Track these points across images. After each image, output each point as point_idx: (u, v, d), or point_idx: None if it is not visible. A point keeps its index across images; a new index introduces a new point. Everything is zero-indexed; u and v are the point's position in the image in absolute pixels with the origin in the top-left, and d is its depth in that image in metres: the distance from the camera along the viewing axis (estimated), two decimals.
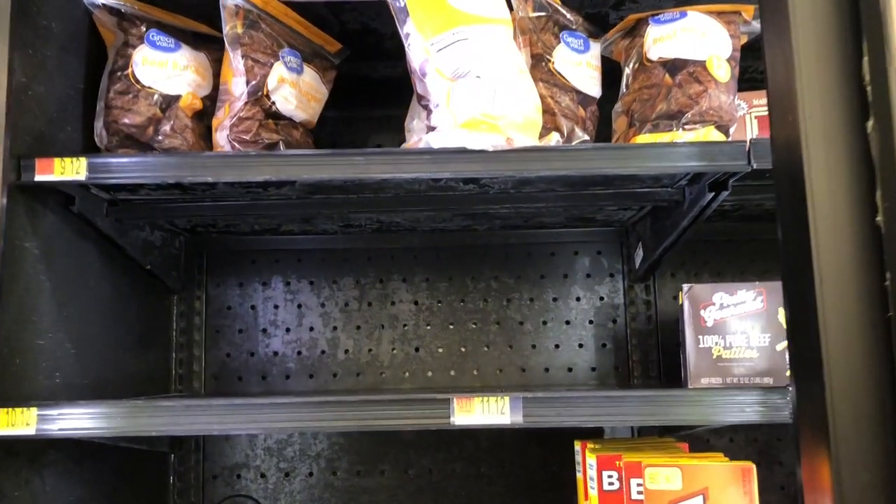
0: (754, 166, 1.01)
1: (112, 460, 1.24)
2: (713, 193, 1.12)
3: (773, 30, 0.84)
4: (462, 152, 1.02)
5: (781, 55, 0.82)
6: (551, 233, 1.57)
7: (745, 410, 0.97)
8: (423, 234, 1.56)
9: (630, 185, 1.20)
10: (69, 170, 1.00)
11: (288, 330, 1.56)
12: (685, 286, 1.19)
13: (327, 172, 1.01)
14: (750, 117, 1.23)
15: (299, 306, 1.56)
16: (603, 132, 1.26)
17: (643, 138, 1.11)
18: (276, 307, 1.56)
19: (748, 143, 1.02)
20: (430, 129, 1.08)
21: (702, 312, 1.18)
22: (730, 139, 1.12)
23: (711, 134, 1.09)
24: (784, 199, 0.89)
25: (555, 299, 1.57)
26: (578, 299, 1.57)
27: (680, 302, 1.20)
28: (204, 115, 1.24)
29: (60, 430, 0.94)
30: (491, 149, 1.01)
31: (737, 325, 1.17)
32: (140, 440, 1.30)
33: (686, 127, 1.08)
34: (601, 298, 1.57)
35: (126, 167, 1.01)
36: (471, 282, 1.57)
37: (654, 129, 1.10)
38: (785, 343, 1.15)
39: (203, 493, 1.52)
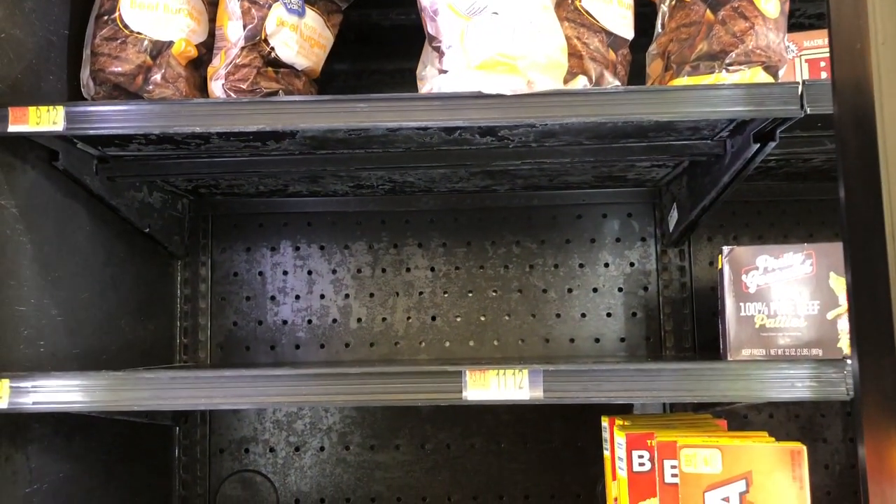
0: (808, 111, 0.89)
1: (107, 434, 1.17)
2: (759, 145, 1.00)
3: None
4: (477, 97, 0.91)
5: None
6: (578, 193, 1.46)
7: (795, 386, 0.86)
8: (440, 196, 1.46)
9: (665, 136, 1.08)
10: (45, 119, 0.91)
11: (298, 297, 1.47)
12: (725, 248, 1.08)
13: (327, 121, 0.91)
14: (800, 60, 1.10)
15: (309, 272, 1.47)
16: (635, 80, 1.14)
17: (681, 81, 0.99)
18: (284, 273, 1.48)
19: (801, 84, 0.90)
20: (443, 72, 0.98)
21: (743, 277, 1.07)
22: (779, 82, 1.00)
23: (759, 75, 0.96)
24: (848, 148, 0.78)
25: (581, 265, 1.46)
26: (607, 265, 1.46)
27: (719, 266, 1.09)
28: (200, 64, 1.14)
29: (35, 403, 0.86)
30: (509, 93, 0.91)
31: (782, 292, 1.05)
32: (138, 413, 1.22)
33: (730, 68, 0.96)
34: (631, 264, 1.46)
35: (107, 116, 0.92)
36: (491, 247, 1.47)
37: (693, 71, 0.99)
38: (837, 311, 1.04)
39: (210, 468, 1.45)
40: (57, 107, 0.91)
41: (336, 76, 1.47)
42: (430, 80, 1.10)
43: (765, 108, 0.91)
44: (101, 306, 1.18)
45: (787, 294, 1.05)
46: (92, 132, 0.92)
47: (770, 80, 0.98)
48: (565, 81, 1.00)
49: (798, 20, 1.33)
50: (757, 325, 1.05)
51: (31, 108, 0.91)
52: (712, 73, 0.97)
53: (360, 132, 0.99)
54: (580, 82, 0.98)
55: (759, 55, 0.97)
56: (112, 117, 0.92)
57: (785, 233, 1.46)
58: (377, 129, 0.92)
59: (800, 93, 0.90)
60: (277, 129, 0.91)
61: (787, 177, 1.37)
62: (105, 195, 1.15)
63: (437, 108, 0.92)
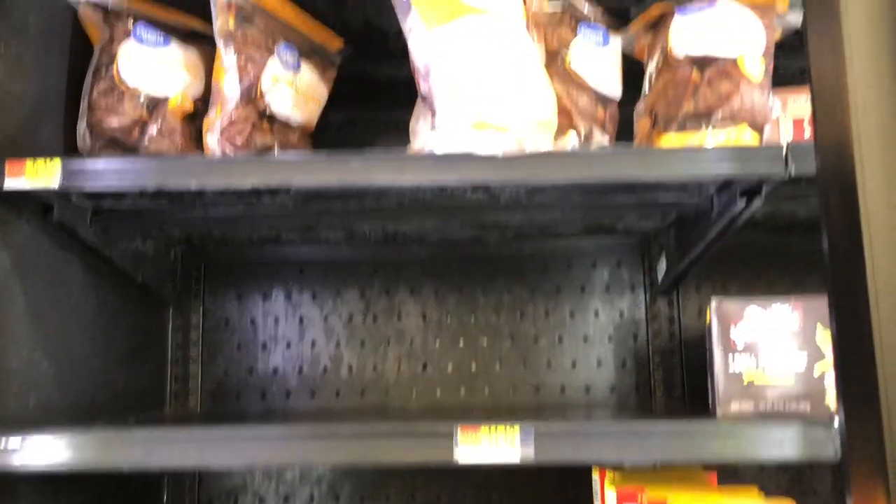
0: (793, 172, 0.91)
1: (95, 486, 1.16)
2: (745, 201, 1.02)
3: (818, 11, 0.74)
4: (469, 157, 0.93)
5: (828, 40, 0.73)
6: (568, 243, 1.47)
7: (784, 446, 0.86)
8: (432, 245, 1.47)
9: (654, 192, 1.10)
10: (42, 172, 0.92)
11: (289, 345, 1.47)
12: (713, 301, 1.09)
13: (321, 178, 0.93)
14: (785, 117, 1.13)
15: (301, 320, 1.48)
16: (623, 135, 1.16)
17: (668, 139, 1.01)
18: (276, 321, 1.48)
19: (785, 146, 0.92)
20: (436, 131, 0.99)
21: (731, 331, 1.08)
22: (764, 141, 1.02)
23: (744, 135, 0.99)
24: (831, 207, 0.79)
25: (572, 314, 1.47)
26: (597, 314, 1.47)
27: (707, 319, 1.10)
28: (195, 117, 1.16)
29: (22, 465, 0.86)
30: (501, 153, 0.92)
31: (770, 345, 1.06)
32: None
33: (716, 128, 0.99)
34: (621, 313, 1.47)
35: (103, 172, 0.93)
36: (482, 295, 1.48)
37: (680, 129, 1.01)
38: (823, 365, 1.05)
39: None
40: (53, 160, 0.92)
41: (331, 125, 1.48)
42: (423, 134, 1.12)
43: (750, 168, 0.92)
44: (93, 357, 1.18)
45: (775, 348, 1.06)
46: (88, 188, 0.93)
47: (755, 138, 1.00)
48: (555, 138, 1.02)
49: (782, 75, 1.36)
50: (745, 381, 1.05)
51: (28, 161, 0.92)
52: (699, 130, 0.99)
53: (354, 188, 1.00)
54: (570, 139, 1.00)
55: (745, 115, 0.99)
56: (108, 173, 0.93)
57: (771, 282, 1.47)
58: (371, 186, 0.93)
59: (784, 154, 0.92)
60: (271, 185, 0.92)
61: (772, 229, 1.39)
62: (99, 246, 1.15)
63: (430, 167, 0.93)
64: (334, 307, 1.48)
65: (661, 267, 1.38)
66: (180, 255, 1.46)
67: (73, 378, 1.12)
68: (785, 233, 1.44)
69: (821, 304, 1.06)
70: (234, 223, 1.19)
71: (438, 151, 0.93)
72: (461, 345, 1.46)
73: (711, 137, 0.98)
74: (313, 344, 1.47)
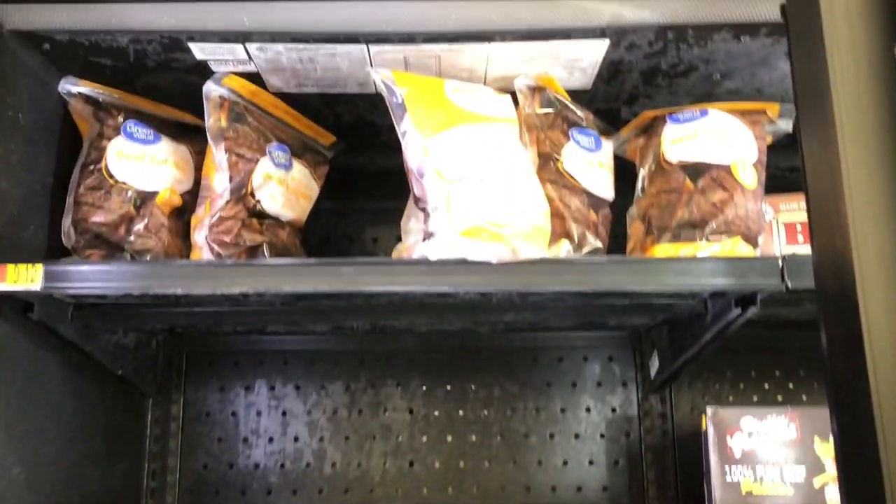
0: (789, 286, 0.90)
1: None
2: (740, 310, 1.00)
3: (813, 131, 0.74)
4: (462, 264, 0.91)
5: (824, 162, 0.72)
6: (559, 336, 1.45)
7: None
8: (420, 337, 1.45)
9: (647, 296, 1.09)
10: (24, 277, 0.90)
11: (271, 439, 1.43)
12: (709, 409, 1.07)
13: (311, 284, 0.91)
14: (777, 223, 1.13)
15: (284, 413, 1.44)
16: (616, 234, 1.16)
17: (663, 248, 1.00)
18: (258, 414, 1.44)
19: (781, 259, 0.91)
20: (429, 234, 0.98)
21: (728, 440, 1.06)
22: (758, 249, 1.02)
23: (739, 246, 0.98)
24: (832, 327, 0.78)
25: (563, 410, 1.44)
26: (588, 410, 1.44)
27: (703, 427, 1.08)
28: (184, 212, 1.14)
29: None
30: (495, 261, 0.91)
31: (768, 456, 1.04)
32: None
33: (711, 238, 0.98)
34: (613, 410, 1.44)
35: (87, 275, 0.91)
36: (471, 389, 1.45)
37: (674, 238, 1.00)
38: (824, 478, 1.02)
39: None
40: (36, 265, 0.90)
41: (320, 214, 1.47)
42: (415, 234, 1.11)
43: (746, 281, 0.91)
44: (67, 457, 1.13)
45: (772, 458, 1.03)
46: (70, 291, 0.91)
47: (750, 249, 1.00)
48: (549, 242, 1.01)
49: (771, 173, 1.37)
50: (743, 492, 1.03)
51: (10, 266, 0.90)
52: (693, 241, 0.98)
53: (344, 294, 0.98)
54: (563, 247, 0.99)
55: (739, 225, 0.99)
56: (92, 277, 0.91)
57: (766, 378, 1.45)
58: (361, 292, 0.91)
59: (780, 266, 0.92)
60: (260, 291, 0.90)
61: (766, 326, 1.38)
62: (79, 342, 1.12)
63: (423, 273, 0.92)
64: (318, 400, 1.44)
65: (654, 364, 1.36)
66: (162, 344, 1.43)
67: (45, 481, 1.07)
68: (779, 330, 1.43)
69: (817, 414, 1.04)
70: (219, 317, 1.16)
71: (431, 257, 0.91)
72: (449, 441, 1.42)
73: (706, 249, 0.97)
74: (296, 438, 1.42)
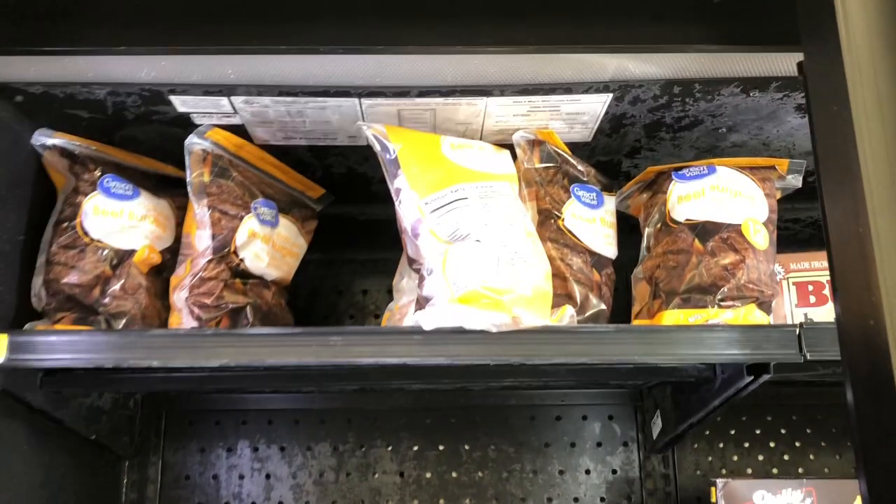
0: (808, 357, 0.85)
1: None
2: (752, 378, 0.95)
3: (836, 193, 0.69)
4: (460, 332, 0.85)
5: (850, 226, 0.67)
6: (557, 394, 1.39)
7: None
8: (411, 394, 1.38)
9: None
10: None
11: None
12: (719, 482, 1.01)
13: (297, 356, 0.85)
14: (788, 283, 1.08)
15: (268, 476, 1.36)
16: (616, 286, 1.11)
17: (672, 315, 0.95)
18: (241, 477, 1.36)
19: (799, 327, 0.86)
20: (424, 299, 0.92)
21: None
22: (771, 315, 0.96)
23: (753, 313, 0.93)
24: (863, 403, 0.73)
25: (561, 472, 1.37)
26: (588, 472, 1.37)
27: (713, 499, 1.02)
28: (164, 269, 1.08)
29: None
30: (495, 330, 0.85)
31: None
32: None
33: (723, 304, 0.93)
34: (614, 471, 1.37)
35: (55, 346, 0.84)
36: (465, 450, 1.38)
37: (684, 304, 0.95)
38: None
39: None
40: (1, 336, 0.83)
41: (308, 265, 1.40)
42: (408, 294, 1.05)
43: (762, 351, 0.86)
44: None
45: None
46: (36, 364, 0.84)
47: (764, 316, 0.94)
48: (551, 305, 0.95)
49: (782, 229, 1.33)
50: None
51: None
52: (704, 307, 0.93)
53: (332, 365, 0.92)
54: (567, 313, 0.93)
55: (752, 290, 0.94)
56: (60, 347, 0.84)
57: (771, 438, 1.39)
58: (350, 364, 0.85)
59: (798, 336, 0.86)
60: (242, 364, 0.84)
61: (772, 383, 1.33)
62: (49, 409, 1.05)
63: (417, 344, 0.86)
64: (304, 462, 1.37)
65: (657, 425, 1.30)
66: (140, 404, 1.35)
67: None
68: (787, 386, 1.38)
69: (835, 487, 0.99)
70: (199, 382, 1.10)
71: (426, 326, 0.86)
72: None
73: (718, 316, 0.92)
74: (280, 503, 1.35)
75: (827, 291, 1.07)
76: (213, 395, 1.37)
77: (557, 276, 0.99)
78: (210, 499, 1.35)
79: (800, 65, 0.79)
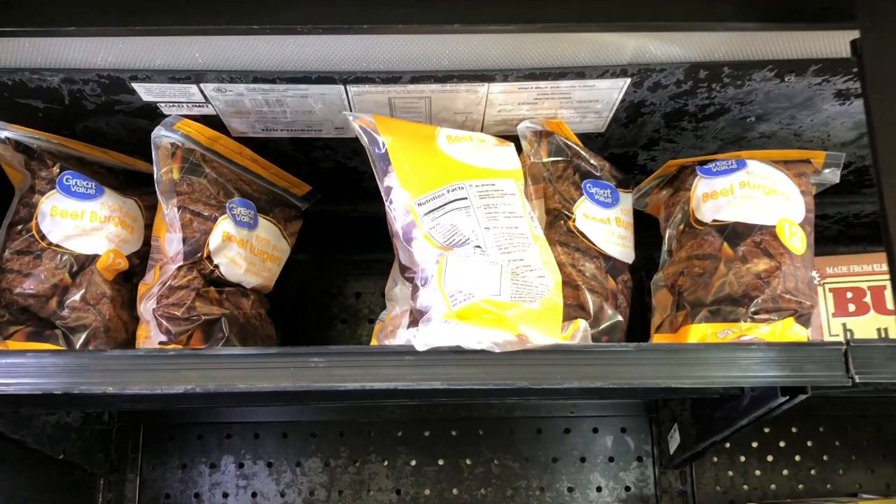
0: (856, 380, 0.74)
1: None
2: (787, 398, 0.84)
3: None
4: (457, 353, 0.75)
5: None
6: (566, 404, 1.29)
7: None
8: (408, 406, 1.28)
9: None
10: None
11: None
12: None
13: (272, 381, 0.74)
14: (824, 290, 0.97)
15: (254, 495, 1.26)
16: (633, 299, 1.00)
17: (699, 330, 0.84)
18: (225, 496, 1.26)
19: (846, 345, 0.75)
20: (418, 312, 0.82)
21: None
22: (810, 329, 0.85)
23: (792, 328, 0.82)
24: None
25: (570, 489, 1.27)
26: (599, 489, 1.27)
27: None
28: (132, 276, 0.98)
29: None
30: (497, 350, 0.74)
31: None
32: None
33: (757, 317, 0.82)
34: (627, 488, 1.27)
35: None
36: (466, 465, 1.28)
37: (712, 316, 0.84)
38: None
39: None
40: None
41: (296, 266, 1.30)
42: (402, 303, 0.94)
43: (802, 373, 0.76)
44: None
45: None
46: None
47: (803, 331, 0.83)
48: (562, 321, 0.84)
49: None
50: None
51: None
52: (736, 321, 0.82)
53: (314, 391, 0.81)
54: (580, 329, 0.83)
55: (789, 301, 0.83)
56: (2, 371, 0.74)
57: (796, 451, 1.29)
58: (334, 389, 0.74)
59: (844, 354, 0.76)
60: (210, 389, 0.73)
61: None
62: (5, 430, 0.95)
63: (409, 366, 0.75)
64: (293, 480, 1.27)
65: (675, 439, 1.20)
66: (115, 417, 1.25)
67: None
68: (812, 396, 1.27)
69: None
70: (172, 400, 1.00)
71: (420, 346, 0.75)
72: None
73: (751, 331, 0.81)
74: None
75: (868, 299, 0.96)
76: (196, 407, 1.27)
77: (568, 284, 0.89)
78: None
79: (854, 43, 0.68)
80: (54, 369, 0.73)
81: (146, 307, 0.90)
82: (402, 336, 0.80)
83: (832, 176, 0.94)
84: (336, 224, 1.25)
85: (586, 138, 0.99)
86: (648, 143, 1.03)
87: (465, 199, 0.81)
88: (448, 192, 0.81)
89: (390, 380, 0.75)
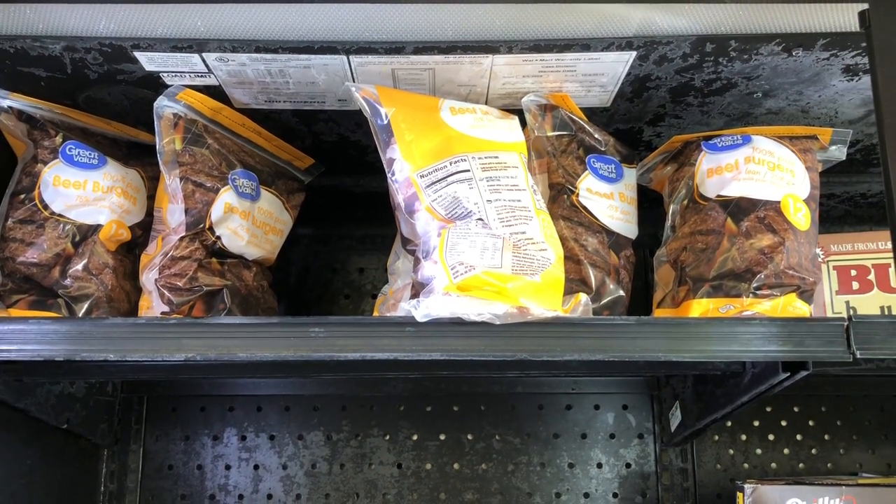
0: (858, 355, 0.74)
1: None
2: (788, 375, 0.84)
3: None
4: (458, 325, 0.75)
5: None
6: (567, 381, 1.29)
7: None
8: (411, 381, 1.28)
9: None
10: None
11: (241, 497, 1.26)
12: (747, 488, 0.91)
13: (272, 350, 0.74)
14: (828, 267, 0.97)
15: (256, 467, 1.27)
16: (636, 276, 1.00)
17: (701, 304, 0.84)
18: (227, 468, 1.27)
19: (847, 321, 0.75)
20: (419, 284, 0.82)
21: None
22: (812, 306, 0.85)
23: (794, 304, 0.82)
24: None
25: (571, 465, 1.27)
26: (600, 465, 1.27)
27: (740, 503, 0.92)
28: (135, 247, 0.98)
29: None
30: (498, 322, 0.74)
31: None
32: None
33: (759, 293, 0.82)
34: (628, 465, 1.28)
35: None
36: (467, 440, 1.28)
37: (714, 291, 0.84)
38: None
39: None
40: None
41: (300, 241, 1.31)
42: (404, 276, 0.95)
43: (804, 348, 0.75)
44: None
45: None
46: None
47: (805, 307, 0.83)
48: (563, 292, 0.84)
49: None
50: None
51: None
52: (738, 296, 0.82)
53: (313, 361, 0.82)
54: (581, 303, 0.82)
55: (792, 276, 0.82)
56: (4, 337, 0.74)
57: (798, 431, 1.29)
58: (334, 359, 0.75)
59: (846, 330, 0.75)
60: (210, 357, 0.74)
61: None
62: (9, 399, 0.96)
63: (410, 336, 0.75)
64: (295, 452, 1.27)
65: (675, 417, 1.20)
66: (119, 386, 1.26)
67: None
68: (817, 375, 1.27)
69: (879, 495, 0.88)
70: (173, 371, 1.00)
71: (420, 317, 0.75)
72: (442, 499, 1.26)
73: (754, 307, 0.80)
74: (269, 496, 1.26)
75: (872, 277, 0.96)
76: (198, 379, 1.27)
77: (570, 258, 0.88)
78: (194, 490, 1.26)
79: (862, 14, 0.67)
80: (56, 336, 0.74)
81: (148, 277, 0.91)
82: (404, 309, 0.80)
83: (839, 153, 0.94)
84: (340, 199, 1.25)
85: (591, 113, 0.99)
86: (654, 119, 1.02)
87: (468, 171, 0.81)
88: (451, 164, 0.81)
89: (390, 350, 0.75)
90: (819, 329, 0.75)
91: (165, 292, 0.89)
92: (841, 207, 1.26)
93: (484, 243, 0.77)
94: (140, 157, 1.01)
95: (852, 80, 0.91)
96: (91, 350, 0.73)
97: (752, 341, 0.75)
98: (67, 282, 0.90)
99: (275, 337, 0.75)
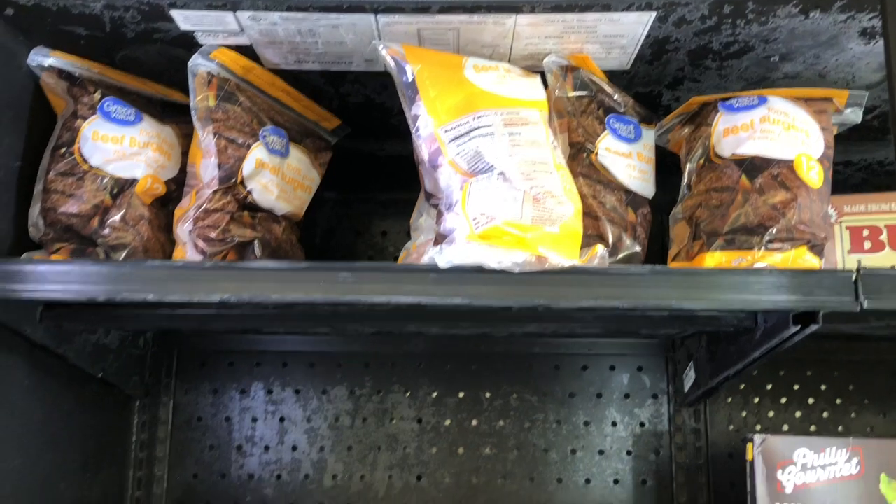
0: (865, 305, 0.77)
1: None
2: (799, 328, 0.87)
3: None
4: (479, 272, 0.78)
5: None
6: (583, 343, 1.32)
7: None
8: (431, 339, 1.32)
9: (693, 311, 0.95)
10: None
11: (267, 448, 1.31)
12: (757, 438, 0.94)
13: (303, 292, 0.78)
14: (841, 227, 0.99)
15: (282, 420, 1.32)
16: (652, 233, 1.02)
17: (714, 257, 0.86)
18: (254, 420, 1.32)
19: (856, 272, 0.77)
20: (442, 236, 0.85)
21: (778, 474, 0.93)
22: (823, 259, 0.88)
23: (804, 257, 0.84)
24: None
25: (586, 423, 1.31)
26: (615, 424, 1.31)
27: (749, 457, 0.95)
28: (168, 201, 1.02)
29: None
30: (517, 269, 0.78)
31: (824, 494, 0.91)
32: None
33: (771, 246, 0.84)
34: (642, 424, 1.31)
35: (44, 276, 0.79)
36: (486, 398, 1.32)
37: (728, 245, 0.86)
38: None
39: None
40: None
41: (324, 204, 1.35)
42: (427, 232, 0.98)
43: (813, 298, 0.78)
44: (35, 471, 1.02)
45: (829, 497, 0.90)
46: (25, 295, 0.78)
47: (815, 260, 0.86)
48: (581, 245, 0.87)
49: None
50: None
51: None
52: (750, 249, 0.85)
53: (341, 303, 0.85)
54: (598, 254, 0.86)
55: (803, 231, 0.85)
56: (49, 277, 0.79)
57: (810, 394, 1.32)
58: (360, 302, 0.78)
59: (854, 281, 0.78)
60: (244, 299, 0.78)
61: (815, 336, 1.24)
62: (50, 344, 1.00)
63: (432, 282, 0.79)
64: (319, 406, 1.32)
65: (689, 377, 1.23)
66: (150, 341, 1.31)
67: (10, 497, 0.96)
68: (827, 340, 1.30)
69: (886, 448, 0.91)
70: (206, 321, 1.04)
71: (442, 264, 0.78)
72: (461, 454, 1.30)
73: (765, 259, 0.83)
74: (294, 447, 1.31)
75: (885, 237, 0.98)
76: (227, 335, 1.32)
77: (588, 214, 0.91)
78: (222, 441, 1.31)
79: None
80: (98, 276, 0.78)
81: (182, 229, 0.95)
82: (428, 259, 0.84)
83: (854, 115, 0.95)
84: (364, 163, 1.29)
85: (612, 76, 1.01)
86: (673, 83, 1.04)
87: (490, 126, 0.84)
88: (474, 119, 0.84)
89: (414, 294, 0.78)
90: (828, 280, 0.78)
91: (199, 243, 0.93)
92: (858, 175, 1.27)
93: (505, 196, 0.81)
94: (174, 115, 1.05)
95: (869, 42, 0.93)
96: (131, 290, 0.78)
97: (763, 290, 0.78)
98: (106, 231, 0.95)
99: (305, 280, 0.78)
